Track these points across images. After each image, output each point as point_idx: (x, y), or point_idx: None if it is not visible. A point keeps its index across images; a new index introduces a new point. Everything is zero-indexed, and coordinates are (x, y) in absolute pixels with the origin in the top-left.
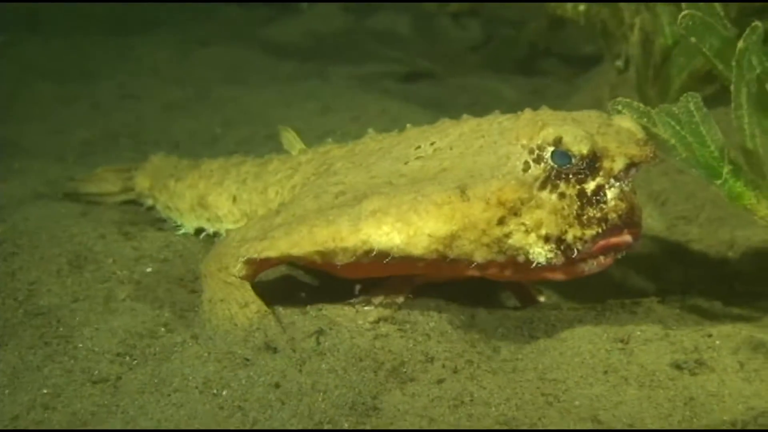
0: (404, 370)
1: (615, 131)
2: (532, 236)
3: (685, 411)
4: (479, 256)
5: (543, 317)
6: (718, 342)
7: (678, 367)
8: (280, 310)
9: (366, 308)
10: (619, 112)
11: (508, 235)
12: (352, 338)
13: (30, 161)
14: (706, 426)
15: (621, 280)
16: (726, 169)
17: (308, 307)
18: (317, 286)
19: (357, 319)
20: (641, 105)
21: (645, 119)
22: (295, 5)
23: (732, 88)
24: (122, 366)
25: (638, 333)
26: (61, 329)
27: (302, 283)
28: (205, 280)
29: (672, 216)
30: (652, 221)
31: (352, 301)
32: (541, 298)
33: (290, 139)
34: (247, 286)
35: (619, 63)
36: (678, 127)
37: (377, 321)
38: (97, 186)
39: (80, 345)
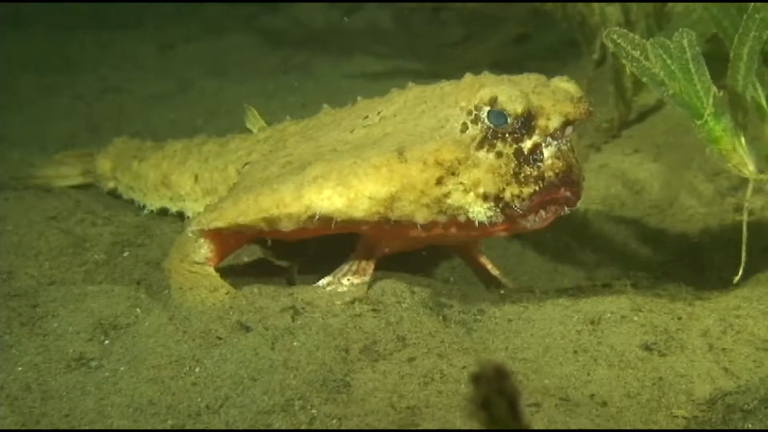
0: (376, 348)
1: (551, 91)
2: (471, 195)
3: (653, 390)
4: (420, 217)
5: (516, 299)
6: (688, 324)
7: (647, 348)
8: (255, 291)
9: (340, 290)
10: (614, 42)
11: (447, 195)
12: (324, 318)
13: (11, 150)
14: (675, 404)
15: (594, 264)
16: (708, 110)
17: (282, 289)
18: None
19: (332, 299)
20: (635, 36)
21: (638, 51)
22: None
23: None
24: (97, 345)
25: (609, 315)
26: (37, 310)
27: (277, 267)
28: (170, 274)
29: (647, 204)
30: (626, 209)
31: (319, 284)
32: (504, 280)
33: (252, 117)
34: (212, 272)
35: (595, 56)
36: (669, 61)
37: (352, 301)
38: (54, 170)
39: (56, 325)
